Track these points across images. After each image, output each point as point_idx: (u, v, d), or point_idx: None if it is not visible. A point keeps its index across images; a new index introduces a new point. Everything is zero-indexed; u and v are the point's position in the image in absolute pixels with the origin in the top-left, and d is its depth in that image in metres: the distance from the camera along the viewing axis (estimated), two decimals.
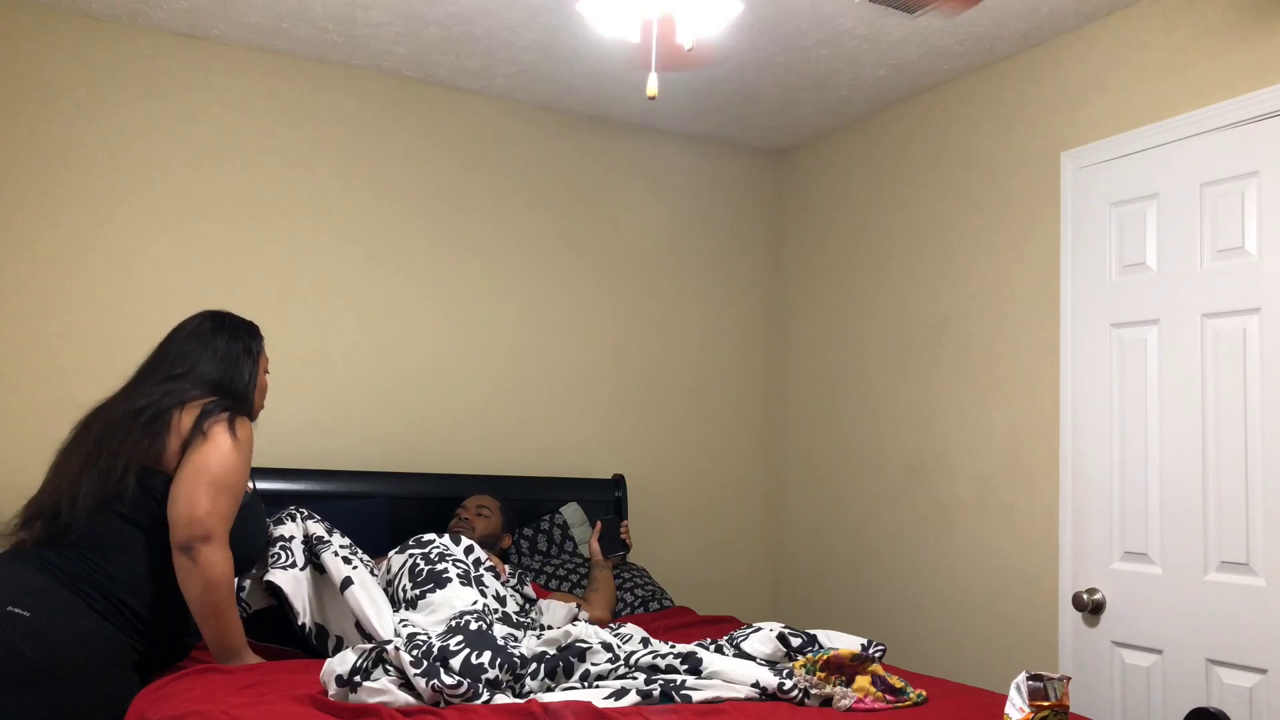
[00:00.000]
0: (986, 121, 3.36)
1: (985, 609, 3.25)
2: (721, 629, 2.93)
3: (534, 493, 3.64)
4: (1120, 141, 2.91)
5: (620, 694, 2.08)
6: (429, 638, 2.28)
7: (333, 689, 2.05)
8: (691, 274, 4.14)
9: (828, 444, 3.96)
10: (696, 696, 2.11)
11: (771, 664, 2.31)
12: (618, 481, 3.82)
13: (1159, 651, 2.73)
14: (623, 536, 3.27)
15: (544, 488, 3.68)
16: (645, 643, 2.42)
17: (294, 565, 2.51)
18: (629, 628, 2.51)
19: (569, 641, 2.26)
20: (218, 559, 2.23)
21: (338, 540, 2.61)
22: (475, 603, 2.59)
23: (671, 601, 3.42)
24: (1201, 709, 2.06)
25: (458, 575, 2.68)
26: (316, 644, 2.50)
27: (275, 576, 2.45)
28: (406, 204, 3.63)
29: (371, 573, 2.66)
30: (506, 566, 3.09)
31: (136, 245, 3.24)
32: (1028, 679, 1.81)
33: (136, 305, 3.23)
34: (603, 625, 2.75)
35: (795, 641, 2.37)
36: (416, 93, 3.66)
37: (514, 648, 2.24)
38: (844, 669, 2.20)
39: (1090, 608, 2.88)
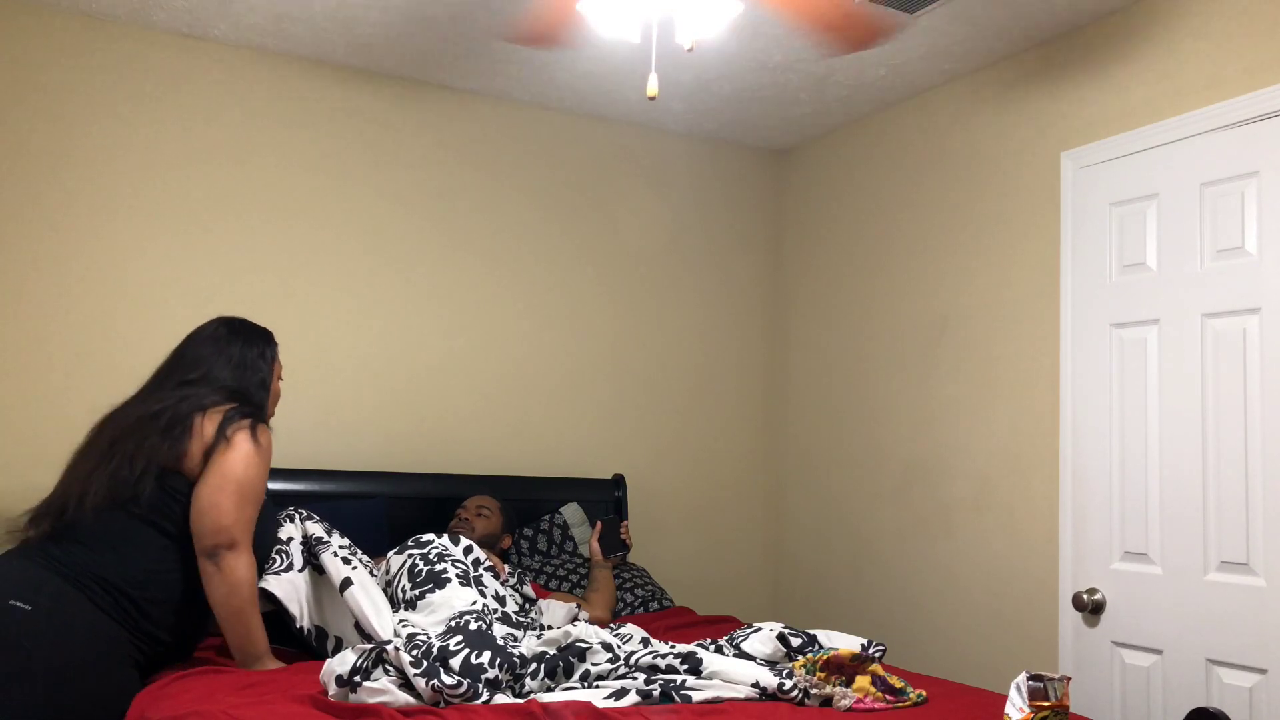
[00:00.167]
0: (986, 121, 3.36)
1: (985, 609, 3.25)
2: (721, 629, 2.93)
3: (534, 493, 3.64)
4: (1120, 141, 2.91)
5: (620, 694, 2.08)
6: (429, 638, 2.28)
7: (333, 689, 2.05)
8: (691, 274, 4.14)
9: (828, 444, 3.96)
10: (696, 696, 2.11)
11: (771, 664, 2.31)
12: (618, 481, 3.82)
13: (1159, 651, 2.73)
14: (623, 536, 3.27)
15: (544, 488, 3.68)
16: (645, 643, 2.42)
17: (290, 568, 2.51)
18: (629, 628, 2.51)
19: (569, 641, 2.26)
20: (241, 564, 2.27)
21: (337, 541, 2.61)
22: (475, 603, 2.59)
23: (671, 601, 3.42)
24: (1201, 709, 2.06)
25: (457, 575, 2.68)
26: (316, 646, 2.50)
27: (268, 583, 2.46)
28: (406, 204, 3.63)
29: (371, 573, 2.66)
30: (506, 566, 3.09)
31: (136, 245, 3.24)
32: (1028, 679, 1.81)
33: (136, 305, 3.23)
34: (603, 625, 2.75)
35: (795, 641, 2.37)
36: (416, 93, 3.66)
37: (513, 648, 2.24)
38: (844, 669, 2.20)
39: (1090, 608, 2.89)
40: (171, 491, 2.29)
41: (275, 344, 2.57)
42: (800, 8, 2.67)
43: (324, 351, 3.46)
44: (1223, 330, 2.64)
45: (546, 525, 3.58)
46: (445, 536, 2.86)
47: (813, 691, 2.16)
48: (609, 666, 2.21)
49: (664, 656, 2.24)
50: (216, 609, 2.27)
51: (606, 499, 3.78)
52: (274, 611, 2.51)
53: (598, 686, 2.16)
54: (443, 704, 2.01)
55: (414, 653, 2.10)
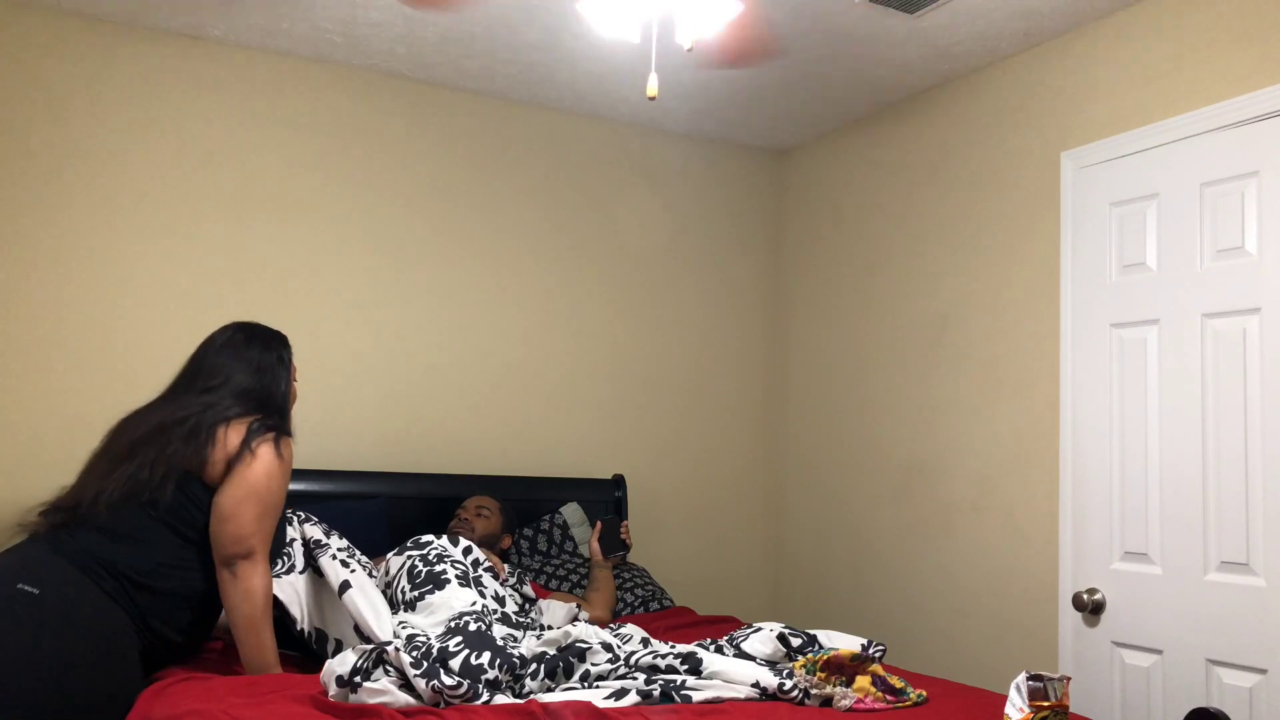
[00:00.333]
0: (986, 121, 3.36)
1: (985, 609, 3.25)
2: (721, 629, 2.93)
3: (534, 493, 3.64)
4: (1120, 141, 2.91)
5: (620, 694, 2.08)
6: (428, 639, 2.28)
7: (333, 689, 2.05)
8: (691, 274, 4.14)
9: (828, 444, 3.96)
10: (697, 696, 2.11)
11: (772, 664, 2.31)
12: (618, 481, 3.82)
13: (1159, 651, 2.73)
14: (623, 536, 3.27)
15: (544, 488, 3.68)
16: (645, 643, 2.42)
17: (291, 570, 2.51)
18: (629, 628, 2.51)
19: (569, 642, 2.26)
20: (257, 574, 2.30)
21: (335, 543, 2.61)
22: (474, 603, 2.59)
23: (671, 601, 3.42)
24: (1201, 709, 2.06)
25: (456, 576, 2.68)
26: (316, 648, 2.50)
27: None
28: (406, 204, 3.63)
29: (370, 574, 2.66)
30: (505, 566, 3.09)
31: (136, 245, 3.24)
32: (1028, 679, 1.81)
33: (135, 304, 3.23)
34: (603, 625, 2.75)
35: (795, 642, 2.37)
36: (416, 93, 3.66)
37: (513, 648, 2.24)
38: (844, 669, 2.20)
39: (1090, 608, 2.89)
40: (192, 497, 2.31)
41: (290, 346, 2.59)
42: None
43: (324, 351, 3.46)
44: (1223, 330, 2.64)
45: (546, 525, 3.58)
46: (444, 537, 2.86)
47: (813, 691, 2.16)
48: (609, 667, 2.21)
49: (664, 656, 2.24)
50: (231, 617, 2.30)
51: (606, 499, 3.78)
52: (276, 615, 2.51)
53: (598, 687, 2.16)
54: (443, 704, 2.01)
55: (414, 653, 2.10)
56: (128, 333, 3.22)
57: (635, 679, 2.16)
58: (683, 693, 2.11)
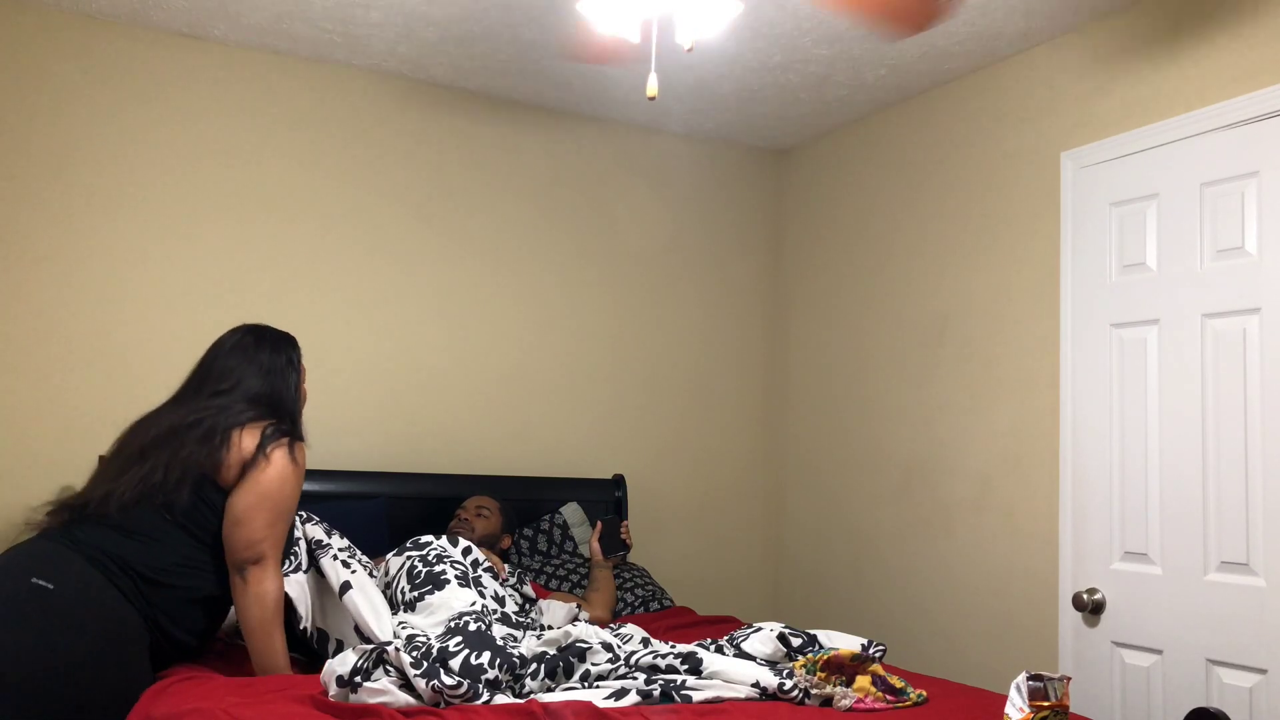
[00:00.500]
0: (986, 121, 3.36)
1: (985, 609, 3.25)
2: (721, 629, 2.93)
3: (534, 493, 3.64)
4: (1120, 141, 2.91)
5: (620, 694, 2.08)
6: (428, 639, 2.28)
7: (333, 689, 2.05)
8: (691, 274, 4.14)
9: (828, 444, 3.96)
10: (697, 696, 2.11)
11: (772, 664, 2.30)
12: (618, 481, 3.82)
13: (1159, 651, 2.73)
14: (623, 536, 3.27)
15: (544, 488, 3.68)
16: (645, 643, 2.42)
17: (299, 569, 2.51)
18: (629, 628, 2.51)
19: (569, 641, 2.26)
20: (268, 579, 2.31)
21: (337, 543, 2.61)
22: (474, 604, 2.59)
23: (671, 601, 3.42)
24: (1201, 709, 2.06)
25: (456, 576, 2.68)
26: (317, 648, 2.49)
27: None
28: (406, 204, 3.63)
29: (370, 574, 2.66)
30: (505, 566, 3.09)
31: (136, 245, 3.24)
32: (1028, 679, 1.81)
33: (135, 304, 3.23)
34: (603, 625, 2.75)
35: (795, 641, 2.37)
36: (417, 93, 3.66)
37: (513, 648, 2.24)
38: (844, 669, 2.20)
39: (1090, 608, 2.89)
40: (207, 500, 2.32)
41: (299, 348, 2.59)
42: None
43: (324, 351, 3.46)
44: (1223, 330, 2.64)
45: (546, 525, 3.58)
46: (444, 538, 2.86)
47: (813, 691, 2.16)
48: (609, 666, 2.21)
49: (664, 656, 2.24)
50: (243, 621, 2.30)
51: (606, 499, 3.78)
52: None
53: (598, 686, 2.16)
54: (443, 704, 2.01)
55: (414, 653, 2.10)
56: (129, 333, 3.22)
57: (635, 679, 2.16)
58: (683, 692, 2.11)
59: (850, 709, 2.13)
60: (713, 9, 2.21)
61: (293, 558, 2.52)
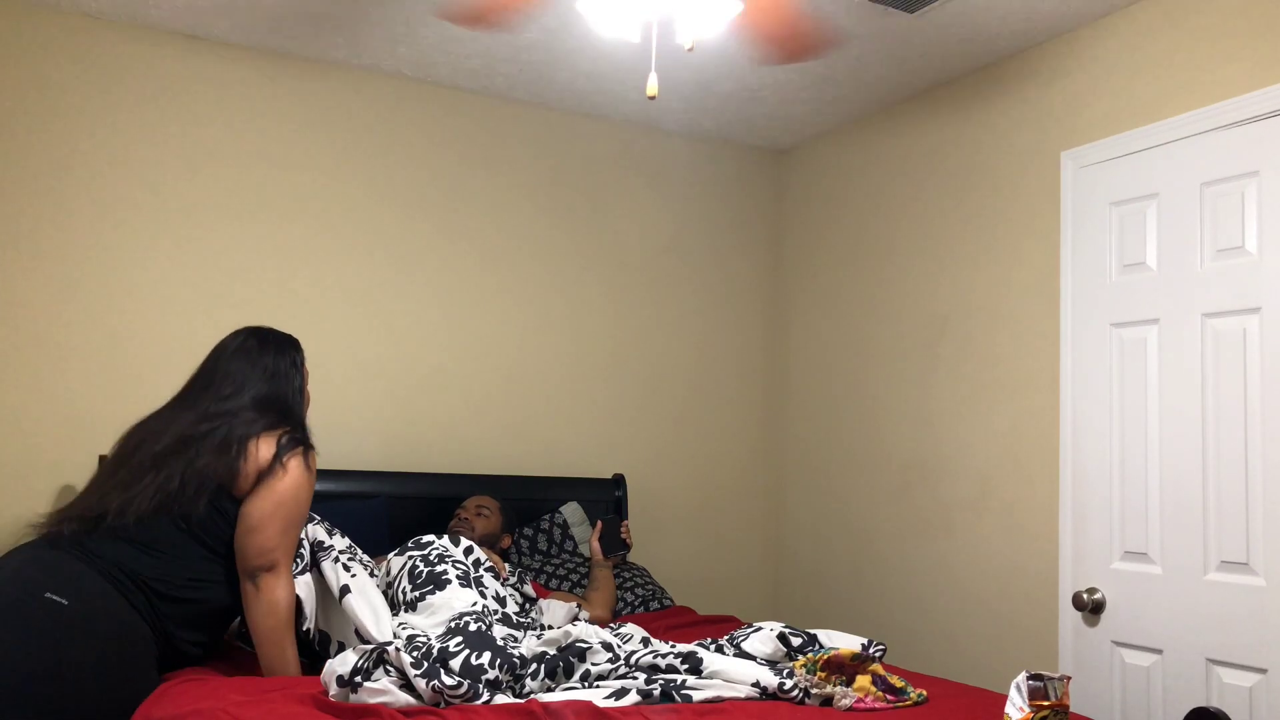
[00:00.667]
0: (986, 121, 3.37)
1: (985, 609, 3.25)
2: (722, 629, 2.93)
3: (534, 493, 3.64)
4: (1120, 141, 2.91)
5: (621, 694, 2.08)
6: (429, 639, 2.28)
7: (333, 689, 2.05)
8: (691, 274, 4.14)
9: (828, 444, 3.96)
10: (697, 696, 2.11)
11: (772, 664, 2.30)
12: (618, 481, 3.82)
13: (1159, 651, 2.73)
14: (623, 536, 3.27)
15: (544, 488, 3.68)
16: (645, 642, 2.42)
17: (304, 570, 2.51)
18: (629, 627, 2.51)
19: (569, 641, 2.26)
20: (280, 586, 2.31)
21: (338, 544, 2.60)
22: (475, 604, 2.59)
23: (671, 601, 3.42)
24: (1201, 709, 2.06)
25: (457, 577, 2.68)
26: (319, 649, 2.49)
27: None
28: (406, 204, 3.63)
29: (371, 574, 2.66)
30: (507, 566, 3.09)
31: (136, 245, 3.24)
32: (1028, 679, 1.81)
33: (137, 305, 3.23)
34: (603, 625, 2.75)
35: (796, 641, 2.37)
36: (417, 93, 3.66)
37: (513, 648, 2.24)
38: (844, 669, 2.20)
39: (1090, 607, 2.89)
40: (222, 510, 2.32)
41: (302, 350, 2.59)
42: (754, 19, 2.65)
43: (324, 351, 3.46)
44: (1223, 330, 2.65)
45: (546, 525, 3.58)
46: (445, 537, 2.86)
47: (813, 691, 2.16)
48: (609, 666, 2.21)
49: (664, 656, 2.24)
50: (254, 628, 2.30)
51: (606, 499, 3.78)
52: None
53: (598, 686, 2.16)
54: (443, 704, 2.01)
55: (414, 654, 2.10)
56: (128, 332, 3.22)
57: (635, 678, 2.16)
58: (683, 692, 2.11)
59: (850, 708, 2.13)
60: (713, 9, 2.21)
61: (300, 559, 2.52)
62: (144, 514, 2.25)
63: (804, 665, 2.21)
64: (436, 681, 2.00)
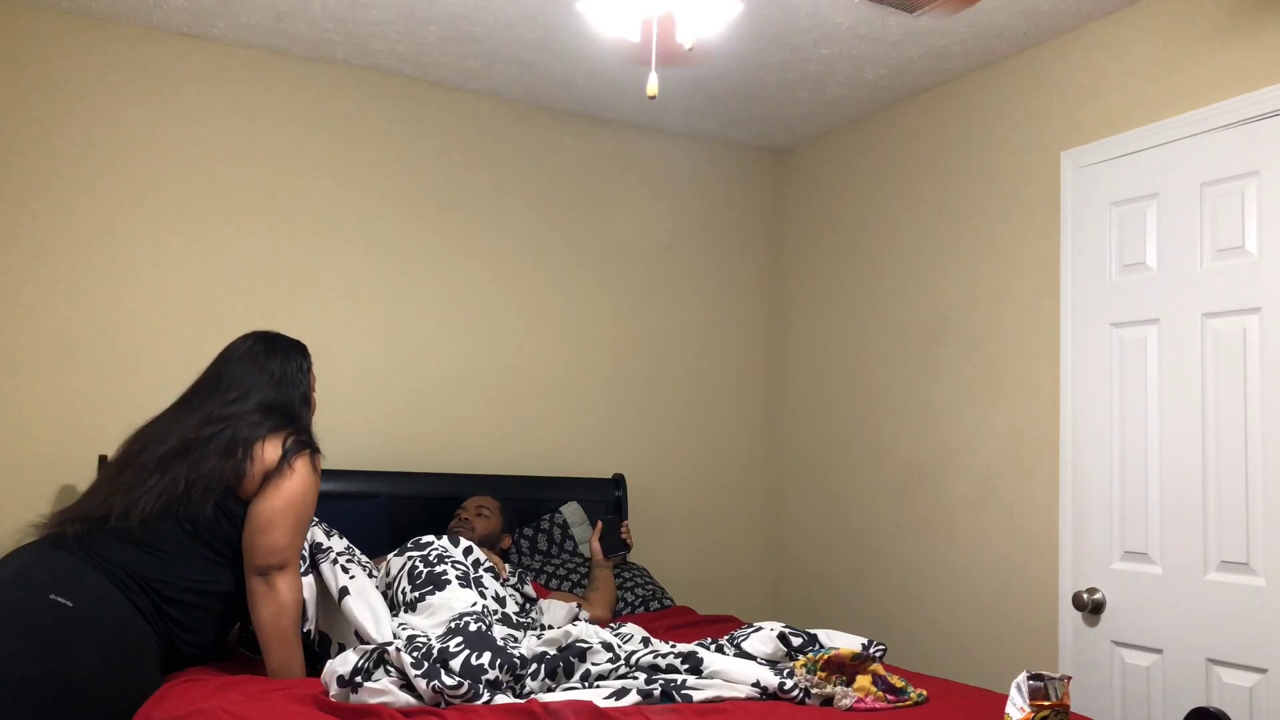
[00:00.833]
0: (986, 121, 3.37)
1: (985, 609, 3.25)
2: (722, 629, 2.93)
3: (534, 493, 3.64)
4: (1120, 141, 2.91)
5: (621, 694, 2.08)
6: (429, 639, 2.28)
7: (334, 689, 2.05)
8: (691, 274, 4.14)
9: (828, 444, 3.96)
10: (697, 696, 2.11)
11: (772, 664, 2.30)
12: (618, 481, 3.82)
13: (1159, 651, 2.73)
14: (623, 536, 3.27)
15: (544, 488, 3.68)
16: (646, 642, 2.42)
17: (306, 572, 2.51)
18: (629, 627, 2.51)
19: (569, 641, 2.26)
20: (291, 586, 2.32)
21: (337, 545, 2.60)
22: (474, 604, 2.59)
23: (672, 601, 3.42)
24: (1201, 709, 2.06)
25: (457, 577, 2.68)
26: (319, 651, 2.49)
27: None
28: (406, 204, 3.63)
29: (370, 574, 2.66)
30: (507, 566, 3.09)
31: (136, 245, 3.24)
32: (1028, 679, 1.81)
33: (137, 306, 3.23)
34: (603, 625, 2.75)
35: (796, 641, 2.37)
36: (416, 93, 3.66)
37: (513, 648, 2.24)
38: (845, 669, 2.20)
39: (1090, 607, 2.89)
40: (228, 513, 2.32)
41: (309, 356, 2.59)
42: None
43: (324, 351, 3.44)
44: (1223, 330, 2.65)
45: (546, 525, 3.58)
46: (445, 538, 2.86)
47: (813, 691, 2.16)
48: (609, 666, 2.21)
49: (664, 656, 2.24)
50: (262, 629, 2.30)
51: (606, 499, 3.78)
52: None
53: (598, 686, 2.16)
54: (443, 704, 2.01)
55: (414, 654, 2.10)
56: (129, 332, 3.21)
57: (636, 678, 2.16)
58: (683, 692, 2.11)
59: (851, 709, 2.13)
60: (713, 9, 2.21)
61: (302, 560, 2.52)
62: (148, 516, 2.25)
63: (804, 665, 2.21)
64: (437, 682, 2.00)
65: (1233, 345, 2.62)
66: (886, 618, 3.62)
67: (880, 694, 2.17)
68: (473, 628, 2.36)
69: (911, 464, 3.57)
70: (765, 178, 4.32)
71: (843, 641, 2.41)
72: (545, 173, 3.87)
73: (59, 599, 2.09)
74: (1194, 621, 2.65)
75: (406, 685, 2.04)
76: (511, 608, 2.74)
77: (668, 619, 3.16)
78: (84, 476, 3.09)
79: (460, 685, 2.02)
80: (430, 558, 2.75)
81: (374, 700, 1.99)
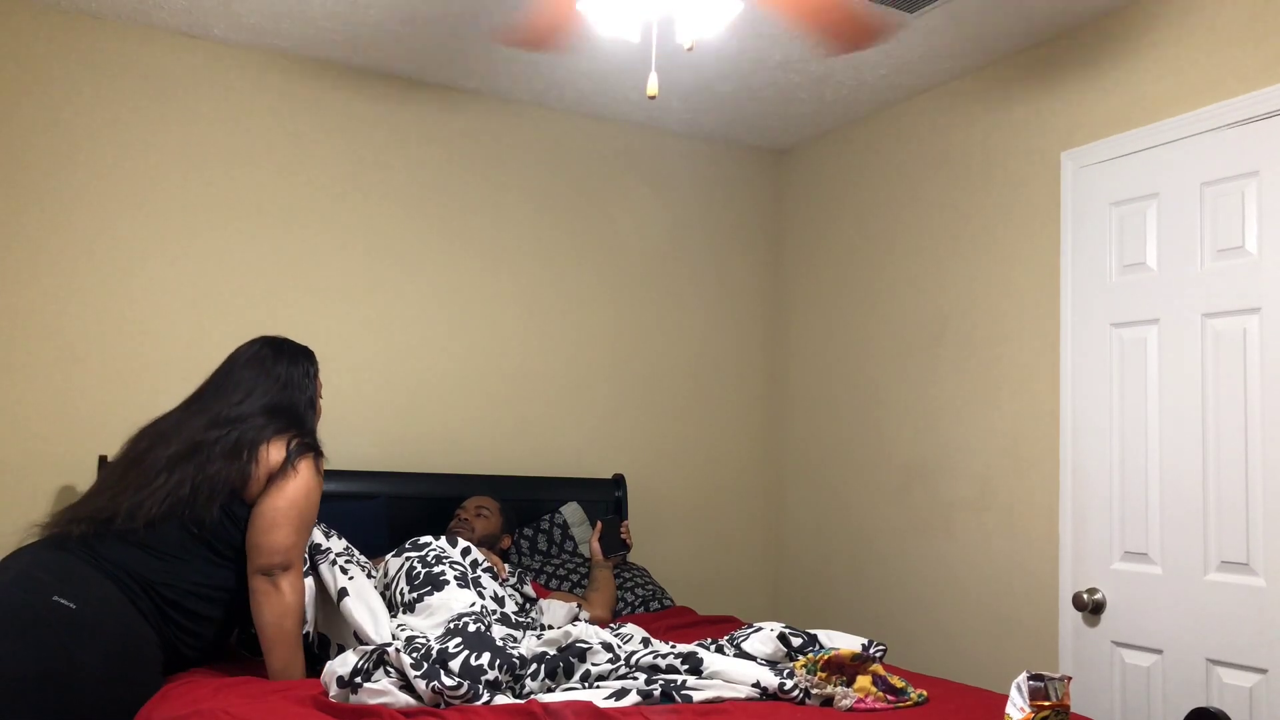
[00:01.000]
0: (986, 121, 3.37)
1: (985, 609, 3.25)
2: (722, 629, 2.93)
3: (534, 493, 3.64)
4: (1120, 141, 2.91)
5: (621, 694, 2.08)
6: (428, 640, 2.28)
7: (334, 690, 2.05)
8: (691, 274, 4.14)
9: (828, 444, 3.96)
10: (697, 696, 2.11)
11: (772, 664, 2.30)
12: (618, 481, 3.82)
13: (1159, 651, 2.73)
14: (623, 536, 3.27)
15: (544, 488, 3.68)
16: (646, 643, 2.42)
17: (308, 573, 2.51)
18: (629, 628, 2.51)
19: (569, 642, 2.26)
20: (294, 587, 2.33)
21: (335, 546, 2.60)
22: (473, 604, 2.59)
23: (672, 601, 3.42)
24: (1201, 709, 2.06)
25: (455, 578, 2.68)
26: (319, 652, 2.49)
27: None
28: (406, 204, 3.63)
29: (369, 575, 2.66)
30: (506, 566, 3.09)
31: (136, 245, 3.24)
32: (1028, 679, 1.81)
33: (137, 306, 3.23)
34: (603, 625, 2.75)
35: (796, 641, 2.37)
36: (416, 93, 3.66)
37: (513, 649, 2.24)
38: (845, 669, 2.20)
39: (1090, 608, 2.89)
40: (233, 516, 2.33)
41: (316, 362, 2.60)
42: (799, 7, 2.67)
43: (324, 350, 3.43)
44: (1223, 330, 2.65)
45: (546, 525, 3.58)
46: (443, 538, 2.86)
47: (814, 691, 2.16)
48: (609, 667, 2.21)
49: (664, 656, 2.24)
50: (264, 630, 2.30)
51: (606, 499, 3.78)
52: None
53: (598, 687, 2.16)
54: (443, 705, 2.01)
55: (414, 655, 2.10)
56: (129, 332, 3.21)
57: (636, 679, 2.16)
58: (683, 692, 2.11)
59: (851, 709, 2.13)
60: (713, 9, 2.21)
61: (303, 561, 2.52)
62: (154, 518, 2.25)
63: (804, 665, 2.21)
64: (436, 682, 2.00)
65: (1233, 345, 2.62)
66: (886, 618, 3.62)
67: (880, 694, 2.17)
68: (471, 628, 2.35)
69: (911, 464, 3.57)
70: (765, 178, 4.31)
71: (843, 642, 2.41)
72: (545, 173, 3.87)
73: (62, 601, 2.08)
74: (1194, 622, 2.65)
75: (406, 686, 2.04)
76: (510, 607, 2.74)
77: (668, 619, 3.16)
78: (84, 476, 3.09)
79: (460, 686, 2.02)
80: (428, 558, 2.75)
81: (373, 701, 1.99)
